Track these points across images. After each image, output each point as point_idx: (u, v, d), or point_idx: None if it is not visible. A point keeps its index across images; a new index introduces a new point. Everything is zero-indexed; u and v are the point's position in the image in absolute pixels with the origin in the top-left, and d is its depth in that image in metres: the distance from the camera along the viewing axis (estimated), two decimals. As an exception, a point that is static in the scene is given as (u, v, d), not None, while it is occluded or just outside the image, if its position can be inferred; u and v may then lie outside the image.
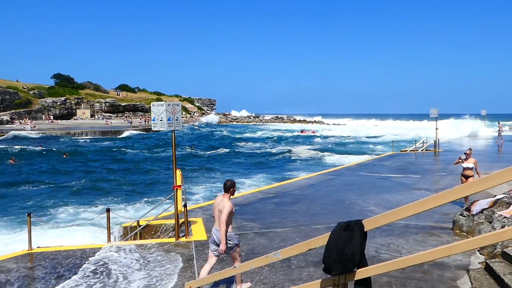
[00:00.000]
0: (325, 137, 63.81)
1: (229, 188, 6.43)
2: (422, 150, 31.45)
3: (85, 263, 8.27)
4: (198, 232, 10.22)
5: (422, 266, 7.31)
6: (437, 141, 30.79)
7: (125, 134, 60.00)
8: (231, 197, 6.54)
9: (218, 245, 6.38)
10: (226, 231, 6.29)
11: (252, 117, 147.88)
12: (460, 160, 12.63)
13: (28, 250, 9.14)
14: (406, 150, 32.40)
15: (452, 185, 11.63)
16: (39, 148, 38.84)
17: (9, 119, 68.94)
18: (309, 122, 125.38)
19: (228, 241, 6.31)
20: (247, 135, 70.26)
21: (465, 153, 12.58)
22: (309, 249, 3.50)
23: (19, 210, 17.07)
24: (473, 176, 12.16)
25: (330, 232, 3.23)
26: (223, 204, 6.33)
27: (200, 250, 8.88)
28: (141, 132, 62.72)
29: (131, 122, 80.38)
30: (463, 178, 12.23)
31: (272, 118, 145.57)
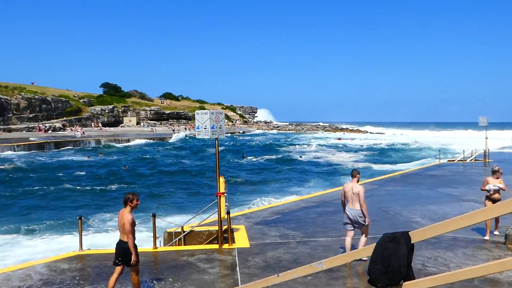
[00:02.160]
0: (367, 146, 62.70)
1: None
2: (470, 160, 30.29)
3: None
4: (241, 239, 10.31)
5: (472, 281, 7.05)
6: (487, 151, 29.58)
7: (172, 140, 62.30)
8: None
9: None
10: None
11: (293, 125, 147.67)
12: (486, 188, 10.22)
13: (79, 251, 9.54)
14: (454, 160, 31.31)
15: (503, 198, 11.14)
16: (87, 158, 40.10)
17: (61, 126, 72.15)
18: (351, 130, 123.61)
19: None
20: (288, 142, 70.15)
21: (493, 171, 10.29)
22: (354, 260, 3.49)
23: (72, 212, 17.80)
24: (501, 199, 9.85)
25: (375, 243, 3.21)
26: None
27: (243, 257, 8.96)
28: (188, 137, 64.16)
29: (173, 130, 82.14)
30: (489, 202, 9.90)
31: (313, 126, 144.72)
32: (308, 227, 11.46)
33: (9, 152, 40.76)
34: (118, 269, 6.80)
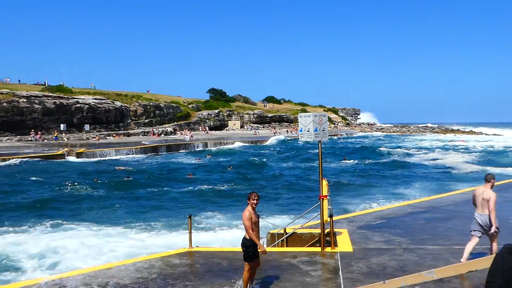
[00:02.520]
0: (482, 148, 57.70)
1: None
2: None
3: (239, 264, 8.84)
4: (343, 243, 10.12)
5: None
6: None
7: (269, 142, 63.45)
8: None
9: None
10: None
11: (398, 127, 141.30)
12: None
13: (189, 248, 10.12)
14: None
15: None
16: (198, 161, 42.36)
17: (172, 130, 77.41)
18: (463, 132, 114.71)
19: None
20: (392, 145, 67.31)
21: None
22: (469, 271, 3.24)
23: (180, 211, 18.98)
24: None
25: (494, 255, 2.95)
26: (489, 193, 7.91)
27: (346, 261, 8.78)
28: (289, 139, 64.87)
29: (275, 133, 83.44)
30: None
31: (420, 127, 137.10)
32: (415, 234, 10.87)
33: (128, 156, 44.67)
34: (245, 265, 7.24)
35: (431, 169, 35.07)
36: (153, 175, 30.65)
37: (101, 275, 8.27)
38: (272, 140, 65.56)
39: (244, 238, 7.14)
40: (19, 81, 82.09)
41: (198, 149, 54.16)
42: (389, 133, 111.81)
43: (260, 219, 10.40)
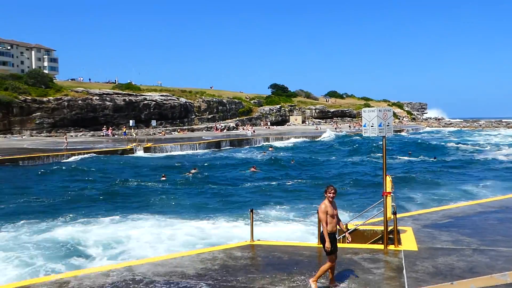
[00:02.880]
0: None
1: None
2: None
3: (300, 258, 8.87)
4: (407, 241, 9.81)
5: None
6: None
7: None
8: None
9: None
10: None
11: (469, 122, 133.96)
12: None
13: (250, 241, 10.28)
14: None
15: None
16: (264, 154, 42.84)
17: (234, 125, 78.69)
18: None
19: None
20: (462, 140, 63.95)
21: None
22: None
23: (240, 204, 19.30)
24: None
25: None
26: None
27: (410, 260, 8.51)
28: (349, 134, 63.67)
29: (335, 128, 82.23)
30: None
31: (494, 122, 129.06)
32: (486, 234, 10.30)
33: (193, 151, 46.05)
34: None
35: (504, 166, 32.93)
36: (217, 169, 31.40)
37: (167, 265, 8.64)
38: (328, 135, 64.17)
39: (322, 232, 7.42)
40: (89, 79, 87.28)
41: (259, 144, 54.66)
42: (458, 128, 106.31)
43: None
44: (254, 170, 30.92)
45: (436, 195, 21.06)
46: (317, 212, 7.72)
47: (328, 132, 66.05)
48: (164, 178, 27.06)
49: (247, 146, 52.49)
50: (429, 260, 8.49)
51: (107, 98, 62.38)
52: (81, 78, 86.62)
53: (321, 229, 7.44)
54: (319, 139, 61.41)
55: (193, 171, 29.50)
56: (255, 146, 53.28)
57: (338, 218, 7.48)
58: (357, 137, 60.04)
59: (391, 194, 9.65)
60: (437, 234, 10.42)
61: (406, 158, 40.14)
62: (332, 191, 7.32)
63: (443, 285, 4.46)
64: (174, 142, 47.81)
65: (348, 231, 11.12)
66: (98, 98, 61.23)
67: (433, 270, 7.94)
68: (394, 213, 9.67)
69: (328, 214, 7.24)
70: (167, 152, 43.84)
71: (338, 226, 7.49)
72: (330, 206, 7.28)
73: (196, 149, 46.94)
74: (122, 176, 27.91)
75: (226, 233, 14.53)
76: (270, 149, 46.98)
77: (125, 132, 57.05)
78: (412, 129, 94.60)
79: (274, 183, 25.62)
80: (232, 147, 51.51)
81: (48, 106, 56.34)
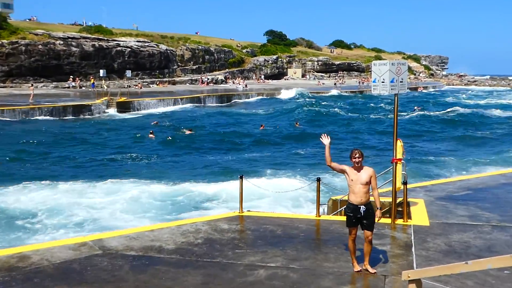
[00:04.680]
0: None
1: None
2: None
3: (295, 232, 9.00)
4: (418, 215, 9.97)
5: None
6: None
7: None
8: None
9: None
10: None
11: (496, 80, 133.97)
12: None
13: (239, 212, 10.40)
14: None
15: None
16: None
17: (223, 78, 78.01)
18: None
19: None
20: (487, 101, 64.24)
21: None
22: None
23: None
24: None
25: None
26: None
27: (420, 237, 8.68)
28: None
29: (335, 83, 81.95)
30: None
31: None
32: (509, 209, 10.50)
33: (175, 107, 46.01)
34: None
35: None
36: (209, 128, 31.64)
37: (143, 238, 8.71)
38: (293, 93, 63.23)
39: (348, 202, 7.39)
40: (51, 21, 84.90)
41: (252, 99, 54.57)
42: (483, 87, 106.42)
43: (320, 182, 10.43)
44: (263, 128, 31.47)
45: (454, 163, 21.31)
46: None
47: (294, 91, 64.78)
48: (152, 136, 27.34)
49: (237, 102, 52.44)
50: (442, 237, 8.66)
51: (73, 43, 61.14)
52: (35, 18, 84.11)
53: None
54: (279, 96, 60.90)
55: (187, 132, 29.80)
56: (247, 102, 53.16)
57: (373, 189, 7.33)
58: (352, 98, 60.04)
59: (402, 161, 9.70)
60: (452, 207, 10.60)
61: (419, 118, 40.38)
62: (357, 155, 7.17)
63: (457, 265, 4.54)
64: (153, 97, 47.55)
65: (378, 209, 11.19)
66: (62, 42, 59.97)
67: (446, 248, 8.11)
68: (405, 183, 9.75)
69: (351, 183, 7.18)
70: (145, 109, 43.67)
71: (364, 198, 7.15)
72: (356, 172, 7.18)
73: (179, 105, 46.92)
74: (98, 139, 27.98)
75: (215, 201, 14.76)
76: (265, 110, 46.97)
77: (93, 83, 56.30)
78: (430, 86, 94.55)
79: (271, 143, 25.83)
80: (221, 104, 51.41)
81: (1, 51, 55.22)
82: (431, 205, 10.77)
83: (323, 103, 52.75)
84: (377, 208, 7.30)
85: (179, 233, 9.02)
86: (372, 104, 54.33)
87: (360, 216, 7.17)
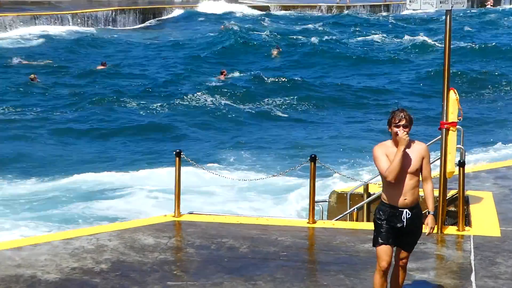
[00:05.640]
0: None
1: None
2: None
3: (272, 250, 8.90)
4: (482, 220, 10.11)
5: None
6: None
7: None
8: None
9: None
10: None
11: None
12: None
13: (175, 215, 10.39)
14: None
15: None
16: None
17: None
18: None
19: None
20: None
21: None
22: None
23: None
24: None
25: None
26: None
27: (486, 255, 8.77)
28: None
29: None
30: None
31: None
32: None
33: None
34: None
35: None
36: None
37: (2, 262, 8.44)
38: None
39: (381, 201, 6.85)
40: None
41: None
42: None
43: (316, 166, 10.28)
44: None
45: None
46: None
47: None
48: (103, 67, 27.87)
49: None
50: (522, 257, 8.71)
51: None
52: None
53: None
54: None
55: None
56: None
57: (423, 180, 6.68)
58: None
59: (458, 126, 9.56)
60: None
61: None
62: (403, 120, 6.40)
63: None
64: (20, 11, 47.95)
65: (370, 198, 11.22)
66: None
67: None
68: (462, 165, 9.63)
69: (386, 170, 6.44)
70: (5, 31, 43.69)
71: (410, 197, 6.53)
72: (399, 149, 6.39)
73: (68, 25, 47.93)
74: None
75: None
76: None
77: None
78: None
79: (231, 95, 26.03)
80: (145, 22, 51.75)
81: None
82: (505, 201, 10.89)
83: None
84: (428, 213, 6.71)
85: (68, 253, 8.84)
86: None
87: (401, 227, 6.56)
